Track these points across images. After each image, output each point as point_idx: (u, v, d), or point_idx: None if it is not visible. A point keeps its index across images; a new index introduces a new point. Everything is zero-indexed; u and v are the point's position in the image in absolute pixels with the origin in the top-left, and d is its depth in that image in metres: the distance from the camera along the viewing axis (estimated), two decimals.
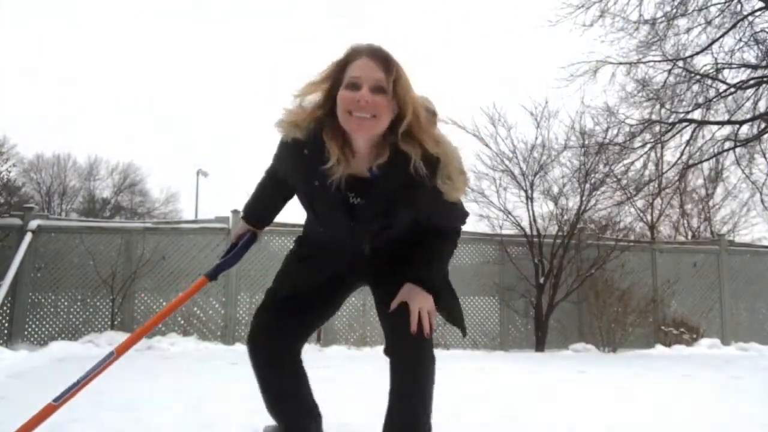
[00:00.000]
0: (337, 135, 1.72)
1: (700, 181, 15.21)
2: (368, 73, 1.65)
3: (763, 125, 10.30)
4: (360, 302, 8.67)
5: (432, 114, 1.80)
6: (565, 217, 9.63)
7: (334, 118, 1.70)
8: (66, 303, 8.22)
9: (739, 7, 10.00)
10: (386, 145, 1.71)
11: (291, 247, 2.18)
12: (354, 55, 1.70)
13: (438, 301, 1.87)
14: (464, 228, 2.03)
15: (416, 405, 1.82)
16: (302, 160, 1.76)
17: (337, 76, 1.71)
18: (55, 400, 1.86)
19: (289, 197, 2.09)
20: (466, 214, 1.97)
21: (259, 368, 2.01)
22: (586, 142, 9.88)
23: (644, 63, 10.48)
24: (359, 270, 2.00)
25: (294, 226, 8.96)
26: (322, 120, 1.73)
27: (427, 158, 1.69)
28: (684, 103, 10.66)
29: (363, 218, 1.81)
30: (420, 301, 1.80)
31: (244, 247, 2.15)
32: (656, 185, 11.80)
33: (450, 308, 1.96)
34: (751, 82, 10.20)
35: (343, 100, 1.67)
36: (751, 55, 10.26)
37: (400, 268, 1.87)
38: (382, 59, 1.67)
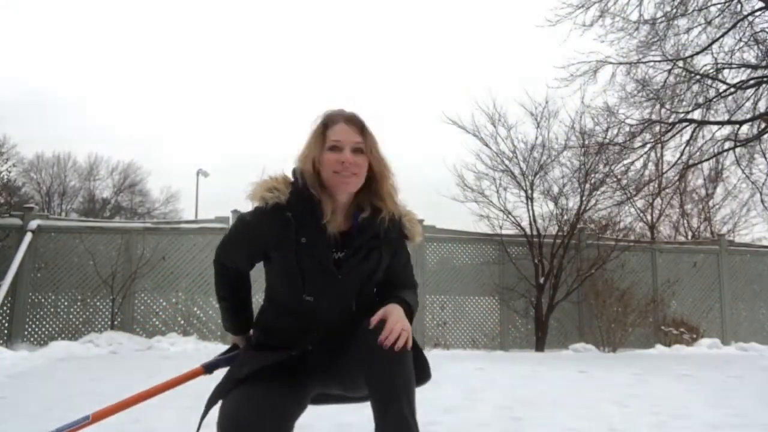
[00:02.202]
0: (326, 193, 1.88)
1: (700, 181, 15.22)
2: (348, 137, 1.87)
3: (763, 125, 10.30)
4: None
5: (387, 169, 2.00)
6: (565, 217, 9.64)
7: (319, 177, 1.88)
8: (66, 303, 8.22)
9: (739, 7, 10.00)
10: (361, 200, 1.92)
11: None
12: (332, 121, 1.91)
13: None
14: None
15: (404, 409, 1.73)
16: (287, 223, 1.85)
17: (319, 139, 1.90)
18: None
19: (249, 285, 2.11)
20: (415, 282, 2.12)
21: None
22: (586, 142, 9.89)
23: (644, 63, 10.48)
24: (326, 349, 1.91)
25: None
26: (299, 184, 1.88)
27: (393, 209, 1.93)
28: (684, 103, 10.66)
29: (348, 270, 1.89)
30: (398, 318, 1.78)
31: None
32: (656, 185, 11.80)
33: (419, 357, 1.88)
34: (751, 82, 10.19)
35: (329, 162, 1.85)
36: (751, 55, 10.27)
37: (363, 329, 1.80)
38: (358, 125, 1.90)
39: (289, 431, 1.76)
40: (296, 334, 1.90)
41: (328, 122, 1.91)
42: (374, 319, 1.77)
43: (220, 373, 2.01)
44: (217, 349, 7.52)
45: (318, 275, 1.87)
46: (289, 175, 1.94)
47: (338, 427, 2.99)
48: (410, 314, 1.91)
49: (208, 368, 2.05)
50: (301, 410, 1.88)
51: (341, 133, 1.88)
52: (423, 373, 1.89)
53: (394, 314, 1.79)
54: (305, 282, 1.87)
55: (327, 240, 1.86)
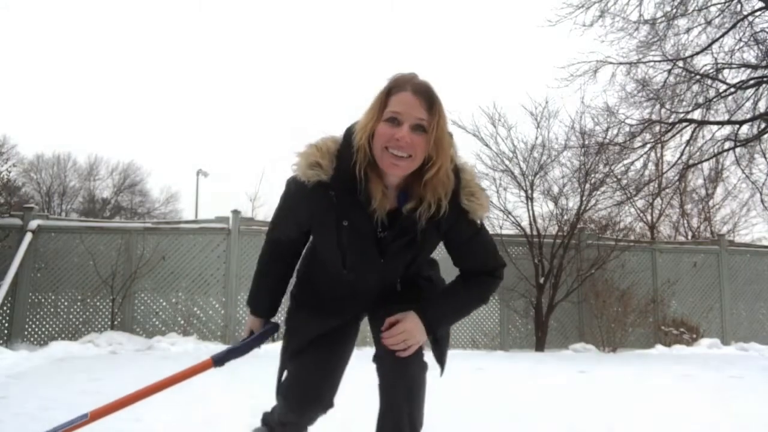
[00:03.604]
0: (375, 171, 1.67)
1: (700, 181, 15.21)
2: (411, 111, 1.61)
3: (763, 125, 10.30)
4: None
5: (450, 136, 1.75)
6: (565, 217, 9.63)
7: (371, 152, 1.65)
8: (66, 303, 8.21)
9: (739, 7, 10.00)
10: (416, 180, 1.68)
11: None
12: (398, 87, 1.64)
13: (436, 345, 1.84)
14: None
15: (407, 416, 1.78)
16: (330, 202, 1.69)
17: (378, 106, 1.65)
18: None
19: (297, 259, 1.99)
20: (501, 260, 1.88)
21: (294, 426, 1.96)
22: (586, 142, 9.88)
23: (644, 63, 10.49)
24: (365, 309, 1.94)
25: None
26: (347, 155, 1.68)
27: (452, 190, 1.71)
28: (684, 103, 10.67)
29: (391, 252, 1.75)
30: (410, 331, 1.73)
31: (261, 338, 1.99)
32: (656, 185, 11.81)
33: (442, 349, 1.89)
34: (751, 82, 10.20)
35: (382, 135, 1.62)
36: (751, 55, 10.27)
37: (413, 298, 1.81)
38: (427, 97, 1.63)
39: (338, 385, 1.93)
40: (336, 300, 1.89)
41: (393, 88, 1.65)
42: (389, 320, 1.75)
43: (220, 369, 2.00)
44: (217, 349, 7.51)
45: (358, 256, 1.77)
46: (341, 138, 1.73)
47: (338, 427, 2.99)
48: (439, 326, 1.79)
49: (218, 361, 1.96)
50: (347, 363, 1.99)
51: (403, 104, 1.61)
52: (444, 357, 1.88)
53: (403, 323, 1.73)
54: (345, 260, 1.79)
55: (373, 224, 1.70)
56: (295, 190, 1.75)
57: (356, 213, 1.69)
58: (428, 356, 1.83)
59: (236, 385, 4.39)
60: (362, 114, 1.69)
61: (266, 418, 2.13)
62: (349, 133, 1.71)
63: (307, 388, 1.87)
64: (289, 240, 1.92)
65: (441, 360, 1.86)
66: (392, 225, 1.72)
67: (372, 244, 1.74)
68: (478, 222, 1.78)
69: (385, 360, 1.77)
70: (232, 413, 3.22)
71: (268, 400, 2.06)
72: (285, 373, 1.95)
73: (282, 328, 2.02)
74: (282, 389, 1.94)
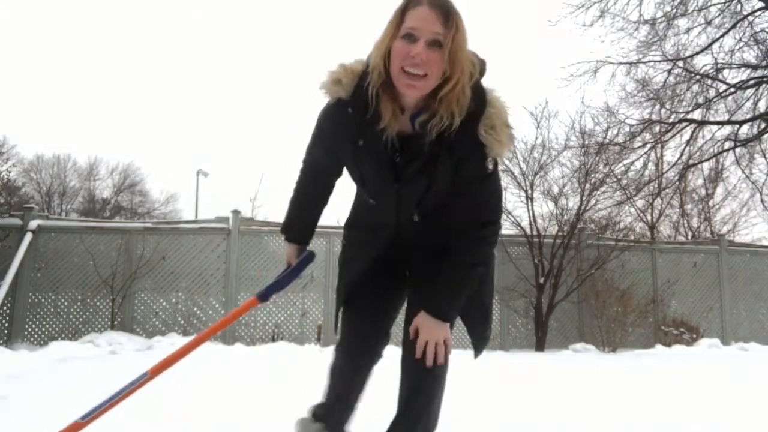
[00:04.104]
0: (389, 91, 1.65)
1: (700, 181, 15.21)
2: (426, 26, 1.56)
3: (763, 125, 10.31)
4: None
5: (481, 63, 1.73)
6: (565, 217, 9.63)
7: (387, 73, 1.62)
8: (66, 303, 8.22)
9: (739, 7, 10.01)
10: (432, 98, 1.63)
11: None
12: (415, 2, 1.60)
13: (452, 326, 1.84)
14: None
15: (422, 418, 1.84)
16: (347, 119, 1.71)
17: (394, 23, 1.61)
18: (81, 418, 1.75)
19: (332, 187, 2.01)
20: (497, 214, 1.81)
21: (343, 373, 1.98)
22: (586, 142, 9.89)
23: (644, 63, 10.50)
24: (406, 254, 1.93)
25: None
26: (367, 75, 1.66)
27: (469, 113, 1.64)
28: (684, 103, 10.68)
29: (407, 176, 1.72)
30: (430, 333, 1.75)
31: (299, 268, 2.01)
32: (656, 185, 11.82)
33: (474, 327, 1.90)
34: (751, 82, 10.21)
35: (398, 52, 1.58)
36: (751, 55, 10.28)
37: (430, 280, 1.82)
38: (444, 11, 1.57)
39: (385, 335, 1.94)
40: (370, 231, 1.92)
41: (409, 2, 1.60)
42: (411, 331, 1.79)
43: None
44: (217, 349, 7.52)
45: (376, 179, 1.79)
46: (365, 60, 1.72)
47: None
48: (448, 314, 1.78)
49: (262, 297, 1.97)
50: (401, 303, 1.99)
51: (419, 19, 1.56)
52: (479, 340, 1.92)
53: (421, 333, 1.76)
54: (365, 184, 1.82)
55: (384, 144, 1.68)
56: (322, 111, 1.81)
57: (369, 132, 1.69)
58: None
59: (235, 385, 4.39)
60: (379, 32, 1.66)
61: (313, 408, 2.11)
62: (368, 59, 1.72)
63: (354, 328, 1.93)
64: (321, 163, 1.94)
65: (477, 343, 1.92)
66: (407, 147, 1.71)
67: (386, 167, 1.73)
68: (490, 165, 1.70)
69: (405, 363, 1.84)
70: (231, 413, 3.22)
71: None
72: (339, 314, 2.00)
73: (317, 258, 2.09)
74: (337, 329, 2.02)
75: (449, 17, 1.57)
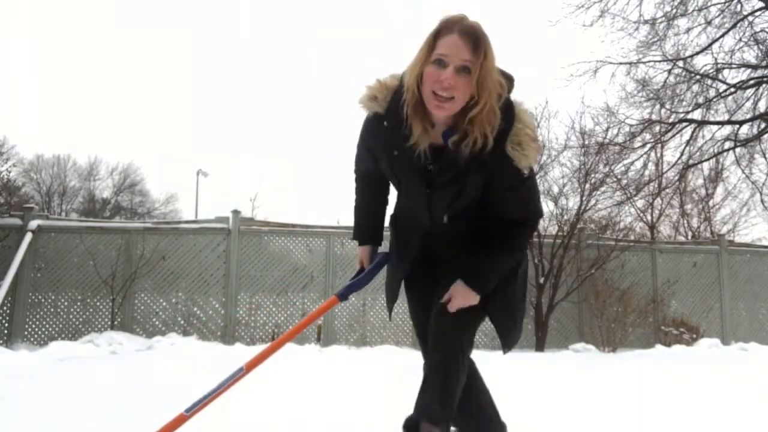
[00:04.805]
0: (420, 110, 1.79)
1: (700, 181, 15.21)
2: (456, 53, 1.70)
3: (763, 125, 10.30)
4: (360, 302, 8.68)
5: (508, 81, 1.84)
6: (565, 217, 9.63)
7: (420, 93, 1.77)
8: (66, 303, 8.22)
9: (739, 7, 10.01)
10: (461, 117, 1.77)
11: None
12: (446, 29, 1.74)
13: (488, 306, 1.98)
14: None
15: (437, 400, 1.89)
16: (382, 132, 1.88)
17: (426, 48, 1.76)
18: (186, 411, 1.90)
19: (387, 188, 2.16)
20: (539, 210, 1.98)
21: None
22: (586, 142, 9.89)
23: (644, 63, 10.49)
24: (437, 254, 2.06)
25: (294, 226, 8.98)
26: (401, 92, 1.81)
27: (499, 130, 1.77)
28: (684, 103, 10.68)
29: (437, 184, 1.88)
30: (461, 301, 1.91)
31: (373, 270, 2.16)
32: (656, 185, 11.81)
33: (502, 324, 2.08)
34: (751, 82, 10.20)
35: (429, 77, 1.73)
36: (751, 55, 10.28)
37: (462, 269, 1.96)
38: (473, 39, 1.71)
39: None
40: (407, 233, 2.07)
41: (441, 30, 1.75)
42: (443, 302, 1.93)
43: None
44: (217, 349, 7.52)
45: (409, 184, 1.95)
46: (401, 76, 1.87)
47: (338, 427, 2.99)
48: (482, 284, 1.92)
49: (342, 296, 2.12)
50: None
51: (449, 47, 1.71)
52: (507, 339, 2.16)
53: (455, 298, 1.91)
54: (400, 186, 2.00)
55: (417, 156, 1.84)
56: (363, 123, 1.98)
57: (403, 144, 1.85)
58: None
59: (235, 385, 4.39)
60: (413, 55, 1.80)
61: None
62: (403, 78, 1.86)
63: (417, 330, 2.17)
64: (369, 171, 2.09)
65: (505, 340, 2.15)
66: (439, 158, 1.85)
67: (419, 175, 1.89)
68: (524, 172, 1.83)
69: (429, 344, 1.99)
70: (230, 413, 3.22)
71: None
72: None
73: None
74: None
75: (478, 45, 1.71)
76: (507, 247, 1.94)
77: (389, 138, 1.87)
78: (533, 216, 1.97)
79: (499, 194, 1.89)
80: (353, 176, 2.19)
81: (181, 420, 1.84)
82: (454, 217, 1.96)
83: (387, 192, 2.17)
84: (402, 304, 2.23)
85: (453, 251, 2.00)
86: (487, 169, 1.82)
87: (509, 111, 1.80)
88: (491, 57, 1.73)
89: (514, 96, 1.86)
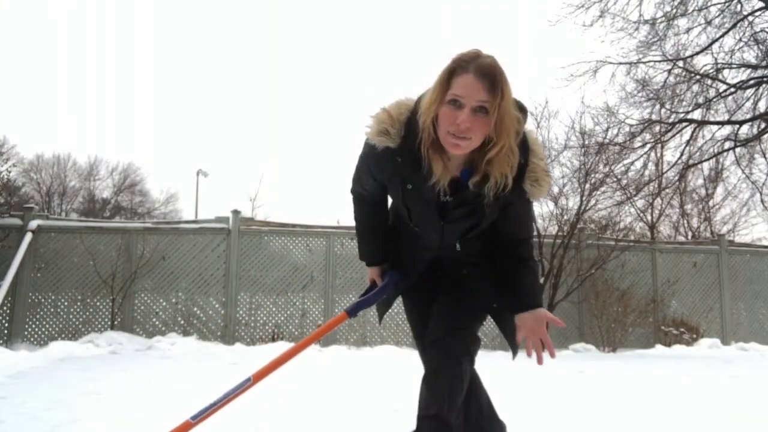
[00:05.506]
0: (438, 146, 1.73)
1: (700, 181, 15.21)
2: (472, 94, 1.63)
3: (763, 125, 10.30)
4: None
5: (523, 113, 1.79)
6: (565, 217, 9.62)
7: (436, 132, 1.72)
8: (66, 303, 8.22)
9: (739, 7, 10.01)
10: (479, 153, 1.73)
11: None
12: (461, 69, 1.65)
13: (502, 331, 2.03)
14: None
15: (438, 402, 1.88)
16: (396, 166, 1.81)
17: (441, 88, 1.68)
18: (192, 418, 1.85)
19: (385, 208, 2.12)
20: (531, 230, 2.04)
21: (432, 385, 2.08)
22: (586, 142, 9.88)
23: (644, 63, 10.49)
24: (441, 266, 2.06)
25: (294, 226, 8.98)
26: (412, 125, 1.76)
27: (518, 166, 1.77)
28: (684, 103, 10.67)
29: (452, 216, 1.86)
30: (533, 330, 1.89)
31: (384, 288, 2.14)
32: (656, 185, 11.81)
33: (512, 333, 2.00)
34: (751, 82, 10.20)
35: (444, 118, 1.66)
36: (751, 55, 10.28)
37: (474, 284, 1.99)
38: (490, 79, 1.63)
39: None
40: (413, 250, 2.05)
41: (455, 69, 1.66)
42: (518, 338, 1.93)
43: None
44: (217, 349, 7.53)
45: (421, 215, 1.91)
46: (413, 105, 1.79)
47: (337, 427, 2.99)
48: (535, 299, 1.92)
49: (351, 312, 2.09)
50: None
51: (465, 87, 1.63)
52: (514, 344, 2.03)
53: (524, 331, 1.90)
54: (411, 215, 1.93)
55: (433, 192, 1.80)
56: (368, 152, 1.87)
57: (419, 182, 1.80)
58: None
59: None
60: (427, 92, 1.73)
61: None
62: (418, 106, 1.76)
63: (415, 332, 2.17)
64: (370, 192, 2.02)
65: (512, 345, 2.04)
66: (455, 193, 1.82)
67: (433, 208, 1.86)
68: (532, 200, 1.90)
69: (432, 345, 1.96)
70: (230, 413, 3.22)
71: None
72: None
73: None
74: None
75: (495, 85, 1.62)
76: (524, 258, 1.95)
77: (403, 172, 1.81)
78: (532, 232, 2.04)
79: (508, 219, 1.90)
80: (350, 196, 2.12)
81: (186, 427, 1.83)
82: (465, 241, 1.97)
83: (387, 209, 2.13)
84: (402, 303, 2.22)
85: (459, 265, 2.02)
86: (501, 203, 1.82)
87: (525, 147, 1.78)
88: (508, 95, 1.66)
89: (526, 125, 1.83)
